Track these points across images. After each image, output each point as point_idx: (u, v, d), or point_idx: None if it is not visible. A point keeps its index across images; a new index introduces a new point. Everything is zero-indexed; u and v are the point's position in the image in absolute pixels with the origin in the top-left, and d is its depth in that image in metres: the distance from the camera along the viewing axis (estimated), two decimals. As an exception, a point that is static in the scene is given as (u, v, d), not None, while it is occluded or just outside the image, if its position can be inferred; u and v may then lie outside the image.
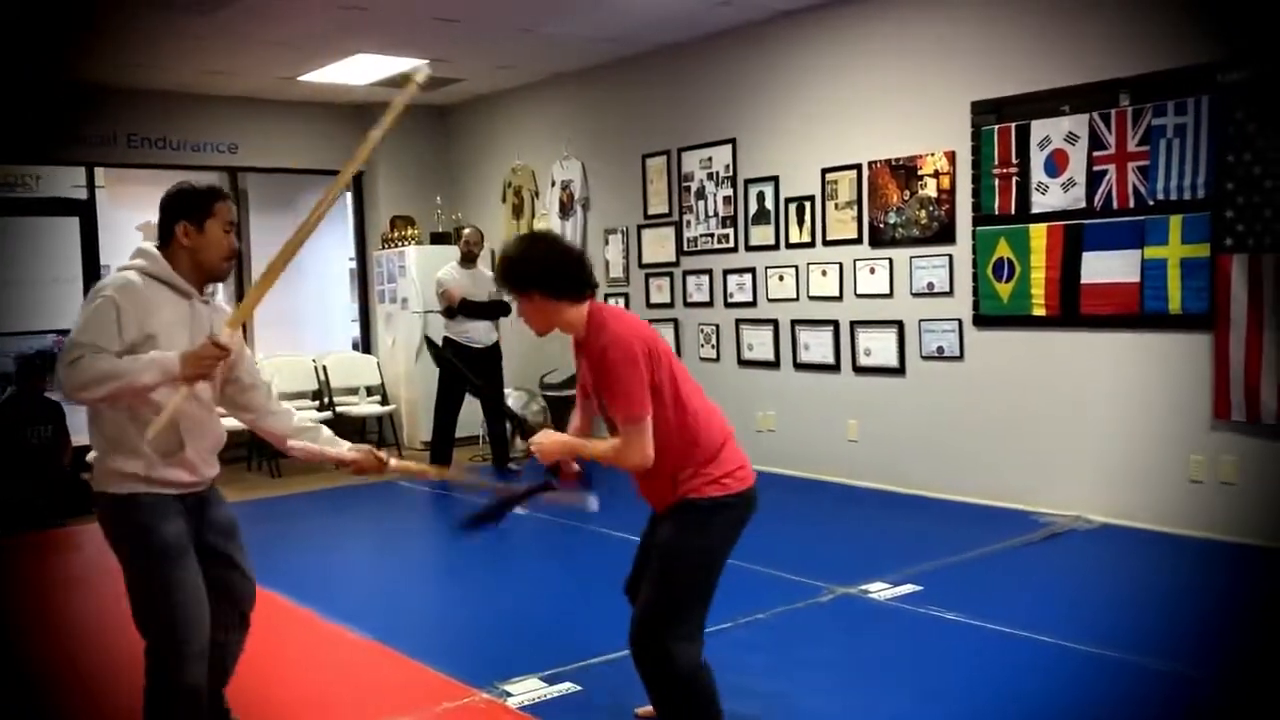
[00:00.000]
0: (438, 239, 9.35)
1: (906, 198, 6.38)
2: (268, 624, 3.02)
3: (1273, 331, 4.93)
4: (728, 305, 7.54)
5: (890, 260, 6.50)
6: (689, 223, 7.78)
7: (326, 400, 8.92)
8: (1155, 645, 3.80)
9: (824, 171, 6.82)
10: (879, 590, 4.54)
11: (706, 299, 7.69)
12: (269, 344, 9.47)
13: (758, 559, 4.80)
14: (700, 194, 7.67)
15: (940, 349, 6.29)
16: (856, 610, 4.38)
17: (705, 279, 7.68)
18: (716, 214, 7.57)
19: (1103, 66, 5.44)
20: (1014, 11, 5.83)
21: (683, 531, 2.78)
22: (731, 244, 7.47)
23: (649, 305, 8.05)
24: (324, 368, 9.06)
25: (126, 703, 2.86)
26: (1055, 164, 5.67)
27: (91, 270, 8.55)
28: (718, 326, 7.62)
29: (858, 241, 6.68)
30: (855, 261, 6.69)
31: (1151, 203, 5.31)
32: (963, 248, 6.13)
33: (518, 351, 8.49)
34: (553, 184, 8.85)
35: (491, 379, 7.66)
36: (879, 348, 6.60)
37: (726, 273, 7.51)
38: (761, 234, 7.26)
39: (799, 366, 7.09)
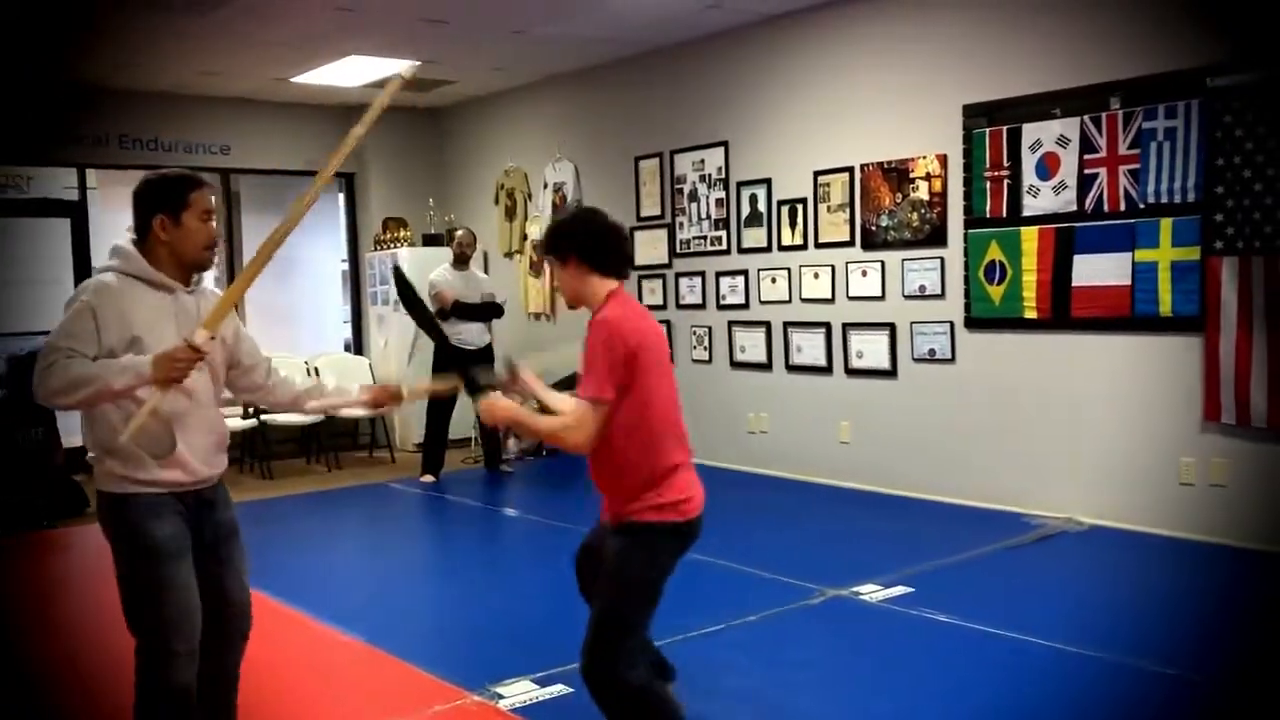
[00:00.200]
0: (430, 241, 9.34)
1: (898, 200, 6.40)
2: (259, 626, 3.00)
3: (1263, 334, 4.95)
4: (720, 307, 7.55)
5: (882, 263, 6.52)
6: (681, 225, 7.79)
7: (319, 402, 8.87)
8: (1145, 647, 3.81)
9: (816, 174, 6.84)
10: (870, 592, 4.55)
11: (699, 301, 7.70)
12: (261, 345, 9.36)
13: (749, 561, 4.81)
14: (693, 196, 7.68)
15: (932, 351, 6.30)
16: (848, 612, 4.38)
17: (698, 281, 7.69)
18: (709, 216, 7.58)
19: (1094, 70, 5.46)
20: (1005, 15, 5.85)
21: (630, 563, 2.80)
22: (724, 246, 7.48)
23: (642, 307, 8.04)
24: (316, 369, 9.03)
25: (120, 702, 2.85)
26: (1046, 167, 5.69)
27: (83, 272, 8.51)
28: (710, 328, 7.63)
29: (850, 244, 6.69)
30: (847, 264, 6.71)
31: (1142, 206, 5.33)
32: (954, 250, 6.15)
33: (511, 353, 8.46)
34: (545, 186, 8.85)
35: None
36: (871, 350, 6.61)
37: (719, 275, 7.52)
38: (754, 236, 7.27)
39: (791, 368, 7.10)
